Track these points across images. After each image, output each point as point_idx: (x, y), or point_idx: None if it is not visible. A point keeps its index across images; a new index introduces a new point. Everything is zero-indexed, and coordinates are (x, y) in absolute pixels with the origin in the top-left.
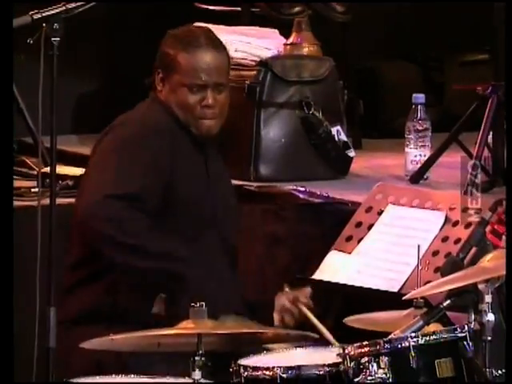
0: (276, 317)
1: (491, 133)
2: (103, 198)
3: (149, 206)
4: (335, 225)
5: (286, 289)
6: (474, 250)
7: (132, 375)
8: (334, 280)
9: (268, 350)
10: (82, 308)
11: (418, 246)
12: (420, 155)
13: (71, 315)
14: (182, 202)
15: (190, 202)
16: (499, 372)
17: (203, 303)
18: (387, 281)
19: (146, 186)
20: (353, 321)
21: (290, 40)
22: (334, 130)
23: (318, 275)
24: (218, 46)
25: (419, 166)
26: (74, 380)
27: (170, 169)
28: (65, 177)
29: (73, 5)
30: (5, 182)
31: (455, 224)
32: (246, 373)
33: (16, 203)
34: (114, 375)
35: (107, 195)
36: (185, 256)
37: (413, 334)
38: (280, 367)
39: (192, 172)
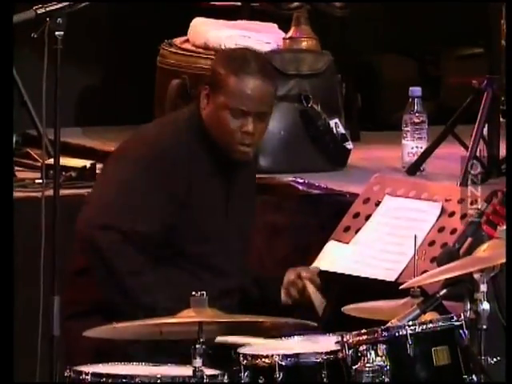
0: (282, 291)
1: (486, 125)
2: (103, 227)
3: (146, 237)
4: (333, 215)
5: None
6: (469, 240)
7: (134, 363)
8: (332, 270)
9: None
10: (86, 299)
11: (415, 237)
12: (417, 147)
13: (73, 308)
14: (193, 238)
15: (199, 230)
16: (494, 360)
17: (204, 292)
18: (384, 270)
19: (151, 219)
20: (351, 309)
21: (289, 34)
22: (332, 123)
23: (317, 265)
24: (268, 74)
25: (416, 157)
26: (77, 368)
27: (183, 199)
28: (68, 168)
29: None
30: (5, 173)
31: (451, 215)
32: (245, 361)
33: (20, 194)
34: (116, 363)
35: (108, 226)
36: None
37: (410, 323)
38: (279, 355)
39: (208, 203)
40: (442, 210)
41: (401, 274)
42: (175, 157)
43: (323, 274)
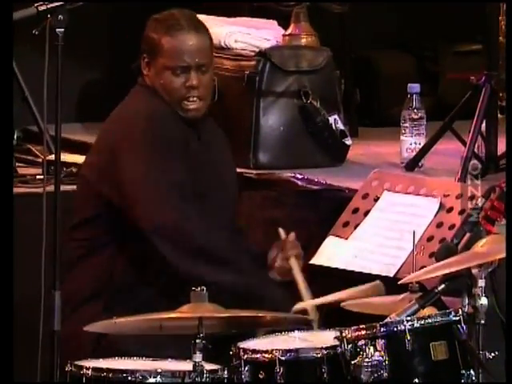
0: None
1: (484, 121)
2: (167, 191)
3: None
4: (332, 211)
5: (281, 231)
6: (467, 235)
7: (134, 358)
8: (331, 265)
9: None
10: (79, 286)
11: (414, 232)
12: (415, 143)
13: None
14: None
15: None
16: (492, 354)
17: (204, 287)
18: (383, 265)
19: (187, 181)
20: (350, 305)
21: (289, 31)
22: (331, 119)
23: (316, 260)
24: (199, 27)
25: (414, 153)
26: (78, 362)
27: (186, 152)
28: (69, 164)
29: None
30: (5, 169)
31: (449, 210)
32: (245, 355)
33: (21, 190)
34: (116, 358)
35: (169, 190)
36: (245, 269)
37: (408, 318)
38: (279, 350)
39: (186, 154)
40: (441, 206)
41: (399, 269)
42: (161, 117)
43: (322, 270)
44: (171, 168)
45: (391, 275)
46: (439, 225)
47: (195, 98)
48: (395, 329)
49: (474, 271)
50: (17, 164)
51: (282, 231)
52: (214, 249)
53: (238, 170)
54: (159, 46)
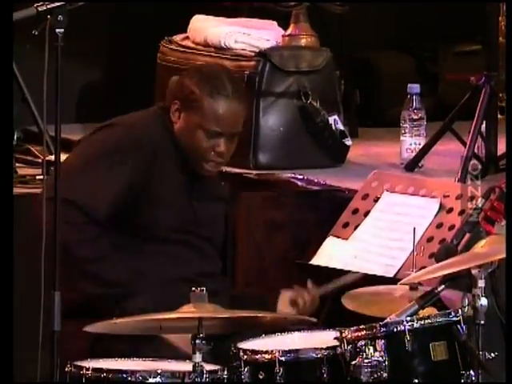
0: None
1: (484, 122)
2: (63, 200)
3: (100, 220)
4: (332, 211)
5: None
6: (467, 236)
7: (134, 359)
8: (331, 265)
9: None
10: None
11: (414, 229)
12: (415, 144)
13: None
14: (154, 222)
15: (162, 222)
16: (492, 355)
17: (203, 288)
18: (383, 266)
19: (104, 203)
20: (350, 298)
21: (288, 31)
22: (331, 119)
23: (316, 261)
24: (242, 95)
25: (414, 154)
26: (78, 363)
27: (144, 190)
28: None
29: None
30: (5, 169)
31: (449, 211)
32: (245, 356)
33: (21, 190)
34: (116, 359)
35: (66, 199)
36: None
37: (408, 318)
38: (279, 350)
39: (171, 196)
40: (441, 206)
41: (399, 269)
42: (144, 144)
43: (322, 270)
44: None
45: (391, 276)
46: (439, 225)
47: (217, 163)
48: (395, 329)
49: (474, 272)
50: (16, 164)
51: (309, 283)
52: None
53: (238, 170)
54: (199, 104)
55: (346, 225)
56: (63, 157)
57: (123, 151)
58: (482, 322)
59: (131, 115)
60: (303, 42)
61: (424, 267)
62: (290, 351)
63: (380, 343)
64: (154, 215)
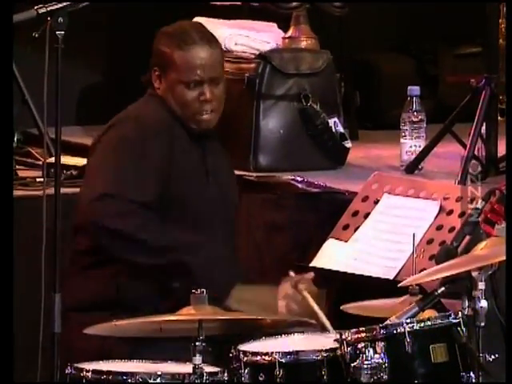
0: (281, 303)
1: (484, 124)
2: (102, 196)
3: (148, 203)
4: (332, 213)
5: (292, 273)
6: (467, 238)
7: (134, 361)
8: (331, 267)
9: None
10: (86, 295)
11: (413, 235)
12: (415, 146)
13: (74, 302)
14: (179, 199)
15: (186, 199)
16: (492, 357)
17: (204, 290)
18: (383, 268)
19: (146, 187)
20: (350, 308)
21: (289, 34)
22: (331, 122)
23: (316, 263)
24: (211, 41)
25: (414, 156)
26: (78, 365)
27: (168, 167)
28: (69, 167)
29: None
30: (5, 172)
31: (449, 213)
32: (245, 358)
33: (21, 193)
34: (116, 360)
35: (107, 194)
36: (188, 244)
37: (408, 320)
38: (278, 352)
39: (190, 169)
40: (441, 209)
41: (399, 271)
42: (154, 131)
43: (322, 272)
44: (137, 176)
45: (391, 278)
46: (439, 227)
47: (208, 111)
48: (395, 331)
49: (474, 274)
50: (17, 167)
51: (292, 273)
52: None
53: (238, 172)
54: (171, 60)
55: (346, 227)
56: (63, 159)
57: (142, 140)
58: (482, 323)
59: (132, 108)
60: (303, 44)
61: (424, 269)
62: (289, 353)
63: (380, 345)
64: (185, 191)
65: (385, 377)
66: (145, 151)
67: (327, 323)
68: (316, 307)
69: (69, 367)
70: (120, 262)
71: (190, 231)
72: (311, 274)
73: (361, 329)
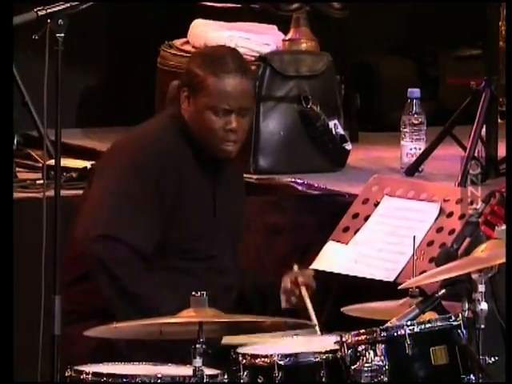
0: (282, 297)
1: (484, 126)
2: (103, 237)
3: (143, 249)
4: (333, 216)
5: (295, 267)
6: (467, 240)
7: (134, 363)
8: (331, 270)
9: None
10: (74, 307)
11: (414, 237)
12: (415, 148)
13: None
14: (182, 238)
15: (190, 237)
16: (492, 359)
17: (204, 292)
18: (383, 270)
19: (151, 237)
20: (350, 310)
21: (289, 36)
22: (331, 124)
23: (316, 265)
24: (245, 70)
25: (414, 158)
26: (79, 367)
27: (174, 203)
28: (69, 169)
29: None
30: (5, 174)
31: (449, 215)
32: (244, 360)
33: (21, 195)
34: (116, 363)
35: (107, 236)
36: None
37: (408, 323)
38: (278, 354)
39: (196, 202)
40: (441, 211)
41: (399, 274)
42: (163, 160)
43: (322, 274)
44: (137, 218)
45: (391, 280)
46: (439, 230)
47: (232, 142)
48: (395, 333)
49: (474, 276)
50: (17, 169)
51: (295, 266)
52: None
53: None
54: (204, 84)
55: (346, 229)
56: (63, 161)
57: (156, 177)
58: (483, 326)
59: (149, 129)
60: (303, 46)
61: (424, 271)
62: (289, 355)
63: (380, 347)
64: (188, 227)
65: (385, 379)
66: (156, 188)
67: (313, 317)
68: (308, 302)
69: (68, 369)
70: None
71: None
72: (312, 270)
73: (361, 331)
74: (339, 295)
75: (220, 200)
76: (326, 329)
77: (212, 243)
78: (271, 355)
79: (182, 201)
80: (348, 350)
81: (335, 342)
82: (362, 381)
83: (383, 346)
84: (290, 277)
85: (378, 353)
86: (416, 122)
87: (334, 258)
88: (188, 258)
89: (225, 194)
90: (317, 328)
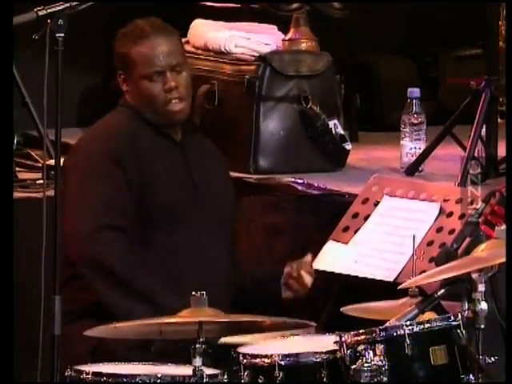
0: (282, 287)
1: (484, 126)
2: (96, 229)
3: (130, 223)
4: (332, 216)
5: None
6: (467, 240)
7: (134, 363)
8: (331, 269)
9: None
10: (73, 307)
11: (413, 237)
12: (415, 148)
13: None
14: (164, 211)
15: (173, 211)
16: (492, 359)
17: (204, 292)
18: (383, 270)
19: (127, 206)
20: (350, 310)
21: (289, 36)
22: (331, 124)
23: (316, 265)
24: (165, 30)
25: (414, 158)
26: (78, 367)
27: (141, 176)
28: None
29: (77, 2)
30: (5, 174)
31: (449, 215)
32: (245, 360)
33: (21, 195)
34: (116, 363)
35: (100, 226)
36: (165, 304)
37: (408, 323)
38: (278, 354)
39: (165, 172)
40: (441, 210)
41: (399, 273)
42: (120, 140)
43: (322, 274)
44: (110, 195)
45: (391, 280)
46: (439, 229)
47: (176, 100)
48: (395, 333)
49: (474, 276)
50: (17, 169)
51: (309, 256)
52: (134, 282)
53: (238, 174)
54: (130, 58)
55: (346, 229)
56: (63, 161)
57: (112, 161)
58: (482, 326)
59: (100, 123)
60: (303, 46)
61: (424, 271)
62: (289, 355)
63: (380, 347)
64: (161, 194)
65: (384, 379)
66: (117, 167)
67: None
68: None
69: (68, 369)
70: None
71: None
72: (309, 258)
73: (361, 331)
74: (339, 295)
75: (198, 175)
76: (326, 329)
77: (194, 219)
78: (272, 355)
79: (152, 173)
80: (347, 349)
81: (335, 342)
82: (362, 381)
83: (383, 345)
84: (290, 267)
85: (378, 353)
86: (416, 121)
87: (333, 257)
88: (171, 232)
89: (203, 173)
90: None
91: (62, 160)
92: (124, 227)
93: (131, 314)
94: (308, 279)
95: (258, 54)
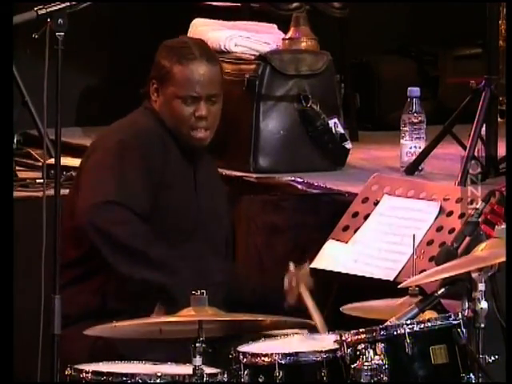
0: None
1: (484, 125)
2: (105, 202)
3: (144, 214)
4: (332, 215)
5: (291, 266)
6: (467, 239)
7: (134, 362)
8: (331, 269)
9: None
10: (74, 309)
11: (413, 236)
12: (415, 147)
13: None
14: (166, 211)
15: (174, 210)
16: (492, 358)
17: (204, 291)
18: (383, 269)
19: (144, 197)
20: (349, 309)
21: (289, 35)
22: (331, 123)
23: (316, 264)
24: (211, 58)
25: (414, 157)
26: (78, 366)
27: (160, 176)
28: (69, 168)
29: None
30: (5, 173)
31: (449, 214)
32: (245, 359)
33: (22, 194)
34: (116, 362)
35: (109, 201)
36: (178, 269)
37: (408, 322)
38: (278, 353)
39: (180, 181)
40: (441, 210)
41: (399, 273)
42: (146, 139)
43: (322, 273)
44: (127, 179)
45: (391, 279)
46: (439, 229)
47: (203, 129)
48: (395, 332)
49: (474, 275)
50: (17, 168)
51: (291, 264)
52: (149, 252)
53: (238, 173)
54: (170, 74)
55: (346, 228)
56: (63, 160)
57: (140, 147)
58: (482, 325)
59: (127, 118)
60: (303, 45)
61: (424, 270)
62: (289, 354)
63: (380, 346)
64: (172, 203)
65: (385, 378)
66: (143, 159)
67: (318, 321)
68: (309, 301)
69: (68, 368)
70: (105, 273)
71: (174, 244)
72: (306, 268)
73: (361, 330)
74: (339, 294)
75: (200, 188)
76: (326, 328)
77: (195, 222)
78: (272, 354)
79: (167, 177)
80: (348, 348)
81: (335, 341)
82: (362, 380)
83: (383, 344)
84: (288, 278)
85: (378, 352)
86: (416, 120)
87: (333, 256)
88: (170, 245)
89: (204, 184)
90: (320, 325)
91: (61, 159)
92: (134, 210)
93: (146, 282)
94: (307, 295)
95: (257, 53)
